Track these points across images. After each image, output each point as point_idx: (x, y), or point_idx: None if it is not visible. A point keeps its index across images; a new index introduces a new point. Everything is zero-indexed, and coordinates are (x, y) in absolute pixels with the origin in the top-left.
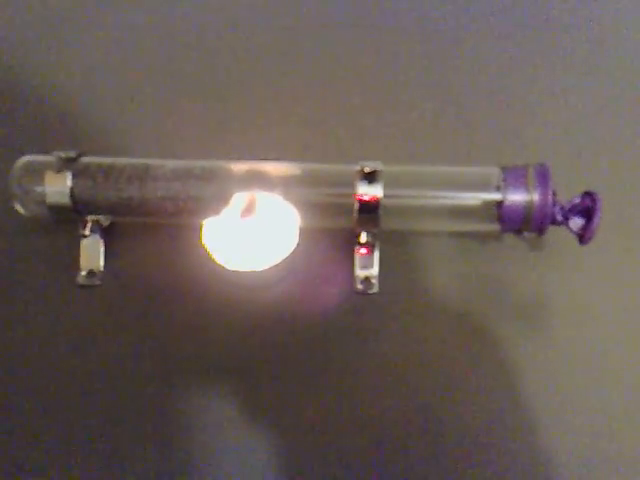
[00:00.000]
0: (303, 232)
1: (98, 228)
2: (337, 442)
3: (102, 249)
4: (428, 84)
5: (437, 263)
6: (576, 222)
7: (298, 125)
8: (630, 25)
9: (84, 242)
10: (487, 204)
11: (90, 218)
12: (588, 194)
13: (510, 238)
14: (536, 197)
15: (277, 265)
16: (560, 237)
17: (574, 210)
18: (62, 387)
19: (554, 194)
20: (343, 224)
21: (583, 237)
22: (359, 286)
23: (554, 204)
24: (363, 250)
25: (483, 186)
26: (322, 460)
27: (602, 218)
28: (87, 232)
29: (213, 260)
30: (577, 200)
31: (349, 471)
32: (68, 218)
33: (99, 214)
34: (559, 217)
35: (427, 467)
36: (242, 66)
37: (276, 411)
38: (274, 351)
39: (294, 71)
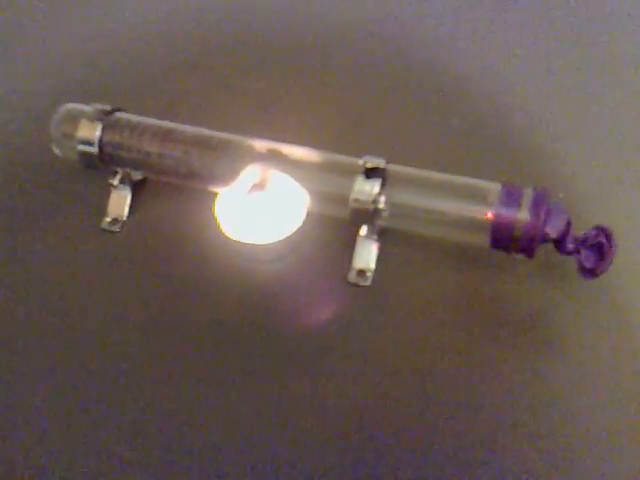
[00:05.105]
0: (312, 217)
1: (128, 181)
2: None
3: (128, 201)
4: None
5: (436, 268)
6: (588, 257)
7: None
8: None
9: (114, 192)
10: (478, 218)
11: (121, 170)
12: (601, 229)
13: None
14: (526, 218)
15: (279, 242)
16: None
17: (586, 243)
18: (63, 317)
19: (569, 224)
20: (342, 214)
21: (593, 272)
22: (352, 277)
23: (566, 234)
24: None
25: (479, 199)
26: (310, 440)
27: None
28: (116, 183)
29: (220, 229)
30: (591, 233)
31: (338, 458)
32: (96, 166)
33: (122, 166)
34: (570, 246)
35: (419, 460)
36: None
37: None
38: (259, 323)
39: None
